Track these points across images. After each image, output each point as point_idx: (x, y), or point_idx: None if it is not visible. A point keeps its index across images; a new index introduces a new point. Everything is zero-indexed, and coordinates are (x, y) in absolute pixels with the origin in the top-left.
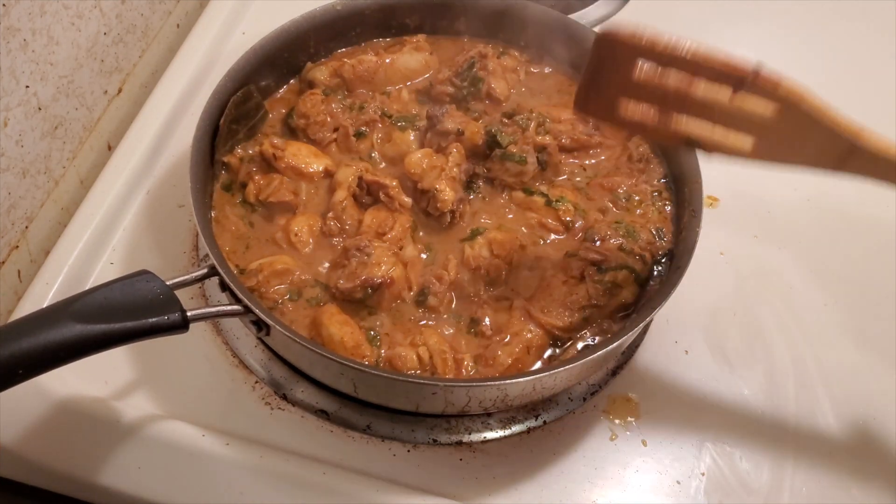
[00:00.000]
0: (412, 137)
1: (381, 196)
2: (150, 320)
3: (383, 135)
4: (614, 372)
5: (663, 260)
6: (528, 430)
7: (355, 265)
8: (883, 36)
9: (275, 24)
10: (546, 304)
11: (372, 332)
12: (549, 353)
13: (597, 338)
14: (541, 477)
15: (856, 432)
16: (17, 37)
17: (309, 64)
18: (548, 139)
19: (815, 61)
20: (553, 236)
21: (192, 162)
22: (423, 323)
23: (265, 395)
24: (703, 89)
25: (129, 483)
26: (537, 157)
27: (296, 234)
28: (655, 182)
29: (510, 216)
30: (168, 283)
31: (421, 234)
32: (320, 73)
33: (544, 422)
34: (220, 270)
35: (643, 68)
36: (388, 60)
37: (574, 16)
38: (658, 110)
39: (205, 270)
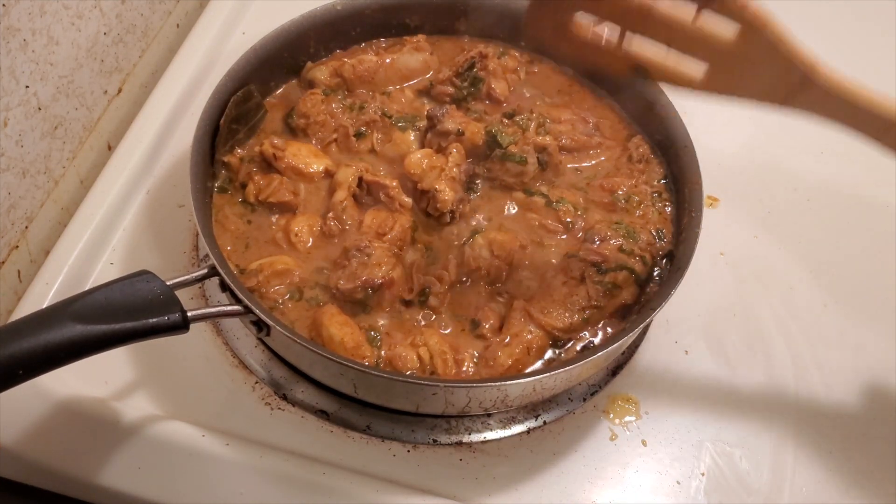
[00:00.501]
0: (412, 138)
1: (382, 196)
2: (151, 320)
3: (383, 135)
4: (614, 372)
5: (663, 261)
6: (528, 431)
7: (355, 265)
8: (883, 37)
9: (275, 24)
10: (546, 305)
11: (372, 333)
12: (549, 353)
13: (597, 338)
14: (541, 477)
15: (856, 432)
16: (17, 37)
17: (309, 64)
18: (548, 139)
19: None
20: (553, 237)
21: (192, 162)
22: (423, 323)
23: (265, 396)
24: (668, 4)
25: (129, 483)
26: (538, 158)
27: (296, 235)
28: (655, 183)
29: (510, 217)
30: (168, 283)
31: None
32: (320, 72)
33: (544, 422)
34: (220, 271)
35: None
36: (388, 60)
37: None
38: (612, 30)
39: (205, 270)
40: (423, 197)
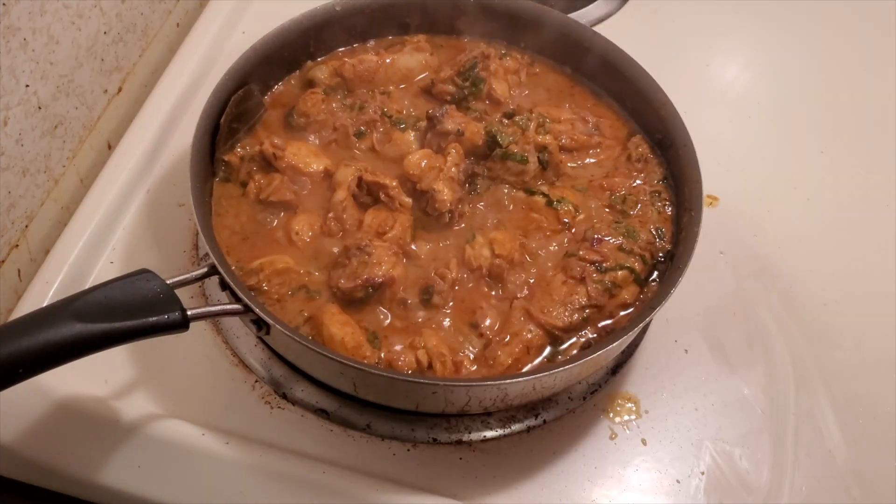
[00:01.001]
0: (412, 138)
1: (382, 196)
2: (151, 319)
3: (383, 135)
4: (614, 371)
5: (663, 260)
6: (528, 429)
7: (356, 265)
8: (883, 37)
9: (275, 24)
10: (546, 304)
11: (373, 333)
12: (548, 352)
13: (596, 337)
14: (541, 476)
15: (856, 432)
16: (18, 36)
17: (309, 63)
18: (548, 139)
19: (815, 61)
20: (553, 236)
21: (192, 161)
22: (421, 321)
23: (265, 395)
24: None
25: (128, 482)
26: (538, 157)
27: (296, 234)
28: (655, 182)
29: (511, 216)
30: (168, 282)
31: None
32: (321, 72)
33: (544, 421)
34: (220, 269)
35: None
36: (388, 60)
37: (574, 15)
38: None
39: (205, 269)
40: (422, 197)
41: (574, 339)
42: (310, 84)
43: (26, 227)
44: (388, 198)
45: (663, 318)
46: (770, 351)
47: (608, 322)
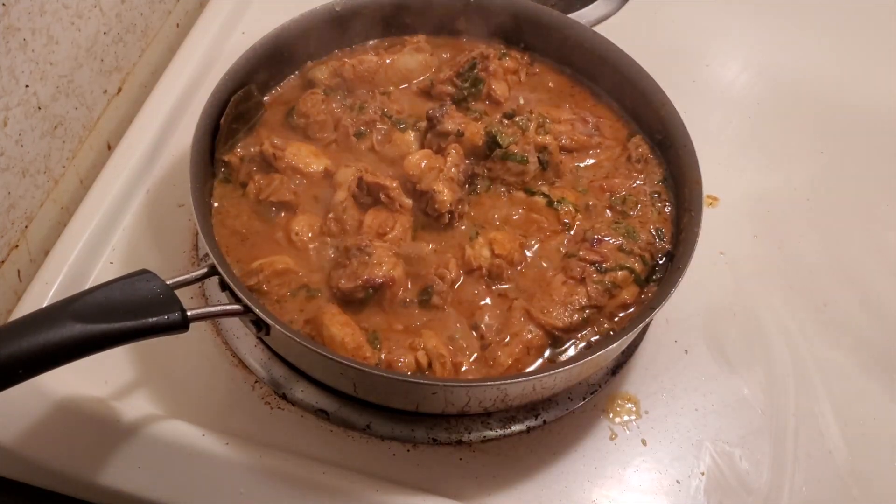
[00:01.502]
0: (412, 138)
1: (382, 197)
2: (151, 320)
3: (383, 135)
4: (614, 371)
5: (663, 260)
6: (528, 430)
7: (356, 265)
8: (883, 37)
9: (274, 24)
10: (546, 305)
11: (373, 334)
12: (548, 353)
13: (596, 338)
14: (541, 476)
15: (856, 432)
16: (17, 36)
17: (309, 63)
18: (548, 139)
19: (815, 61)
20: (553, 237)
21: (192, 161)
22: (423, 322)
23: (265, 395)
24: None
25: (129, 483)
26: (538, 157)
27: (296, 234)
28: (655, 183)
29: (511, 216)
30: (168, 282)
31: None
32: (321, 72)
33: (544, 421)
34: (220, 270)
35: None
36: (388, 60)
37: (574, 15)
38: None
39: (205, 270)
40: (422, 197)
41: (574, 340)
42: (310, 84)
43: (26, 227)
44: (388, 199)
45: (663, 319)
46: (770, 351)
47: (608, 322)
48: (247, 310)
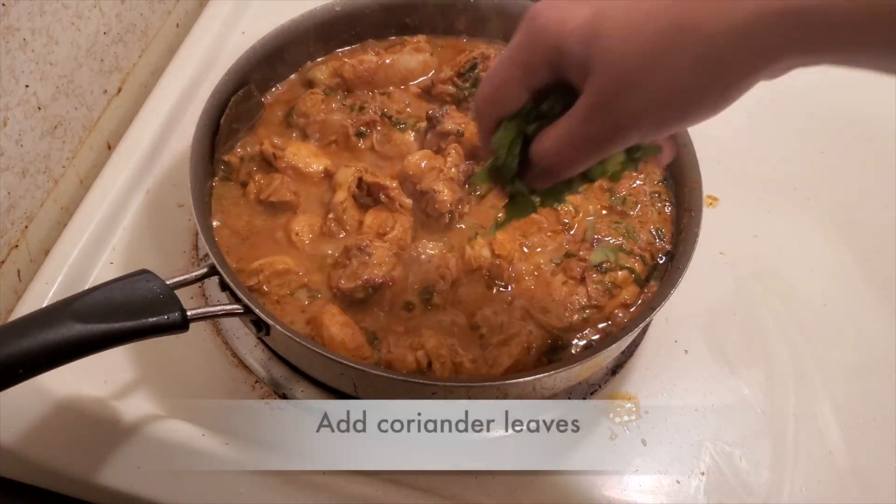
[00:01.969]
0: (412, 138)
1: (382, 197)
2: (150, 320)
3: (383, 135)
4: (614, 371)
5: (663, 260)
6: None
7: (356, 265)
8: None
9: (274, 24)
10: (546, 305)
11: (372, 334)
12: (548, 353)
13: (596, 337)
14: (540, 476)
15: (856, 432)
16: (17, 36)
17: (309, 63)
18: None
19: None
20: (553, 237)
21: (192, 161)
22: (423, 322)
23: (265, 395)
24: None
25: (128, 483)
26: None
27: (296, 234)
28: (655, 183)
29: None
30: (168, 282)
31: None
32: (320, 72)
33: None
34: (219, 270)
35: None
36: (388, 61)
37: None
38: None
39: (205, 270)
40: (422, 197)
41: (574, 340)
42: (310, 84)
43: (26, 227)
44: (388, 199)
45: (663, 319)
46: (770, 351)
47: (608, 322)
48: (247, 310)
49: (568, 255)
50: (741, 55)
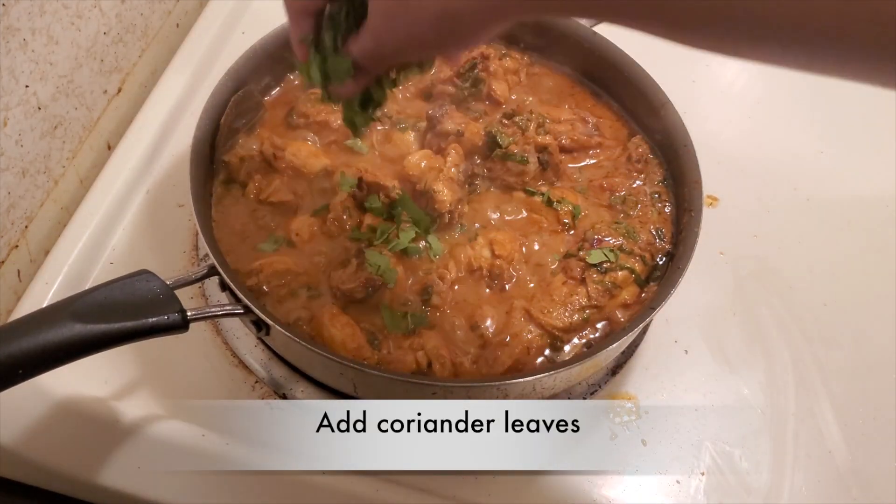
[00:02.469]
0: (412, 138)
1: (382, 197)
2: (150, 320)
3: (383, 135)
4: (614, 372)
5: (663, 260)
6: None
7: (356, 265)
8: None
9: (274, 24)
10: (546, 305)
11: (372, 334)
12: (548, 353)
13: (596, 337)
14: (540, 477)
15: (856, 432)
16: (17, 36)
17: None
18: (548, 139)
19: None
20: (553, 237)
21: (192, 161)
22: (423, 324)
23: (265, 395)
24: None
25: (129, 483)
26: (538, 157)
27: (296, 234)
28: (655, 183)
29: (511, 217)
30: (168, 282)
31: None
32: None
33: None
34: (219, 270)
35: None
36: None
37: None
38: None
39: (205, 270)
40: (422, 197)
41: (574, 340)
42: (310, 84)
43: (26, 227)
44: (388, 199)
45: (663, 319)
46: (770, 351)
47: (608, 322)
48: (247, 310)
49: (568, 255)
50: None
